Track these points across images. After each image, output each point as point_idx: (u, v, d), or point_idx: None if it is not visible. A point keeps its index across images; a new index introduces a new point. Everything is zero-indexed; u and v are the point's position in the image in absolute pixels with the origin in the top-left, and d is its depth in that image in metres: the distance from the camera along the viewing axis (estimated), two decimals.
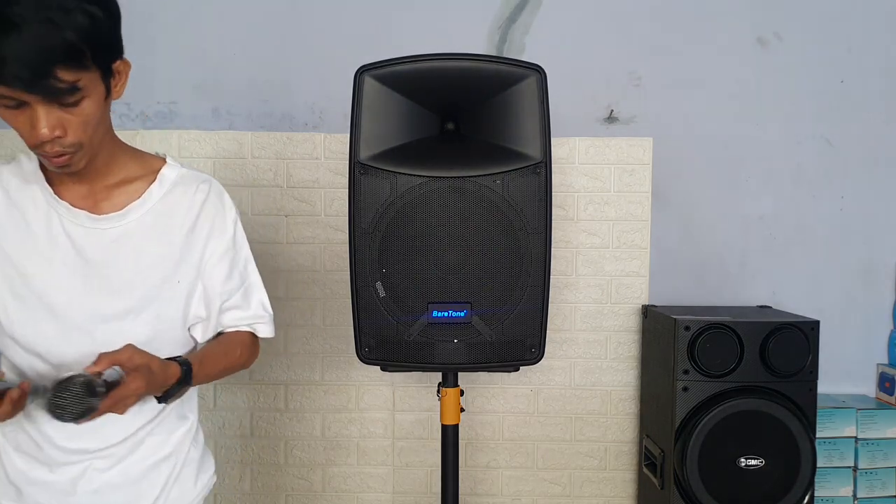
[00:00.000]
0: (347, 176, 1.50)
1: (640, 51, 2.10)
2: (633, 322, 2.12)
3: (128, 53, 1.02)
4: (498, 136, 1.52)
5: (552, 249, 1.56)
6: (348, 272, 1.51)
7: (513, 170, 1.49)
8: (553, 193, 1.52)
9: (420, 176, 1.49)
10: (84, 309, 1.06)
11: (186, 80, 2.09)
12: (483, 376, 2.12)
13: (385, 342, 1.52)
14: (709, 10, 2.10)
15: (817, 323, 1.78)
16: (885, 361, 2.16)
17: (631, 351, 2.13)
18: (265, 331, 1.23)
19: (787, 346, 1.75)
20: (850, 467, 2.00)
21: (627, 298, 2.12)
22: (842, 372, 2.13)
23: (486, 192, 1.49)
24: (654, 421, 1.98)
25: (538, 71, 1.50)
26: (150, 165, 1.15)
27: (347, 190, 1.50)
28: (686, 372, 1.76)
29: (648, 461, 1.98)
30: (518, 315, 1.51)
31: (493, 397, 2.14)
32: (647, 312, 2.05)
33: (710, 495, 1.73)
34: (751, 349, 1.76)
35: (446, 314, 1.50)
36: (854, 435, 2.00)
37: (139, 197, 1.11)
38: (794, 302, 2.10)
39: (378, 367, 1.60)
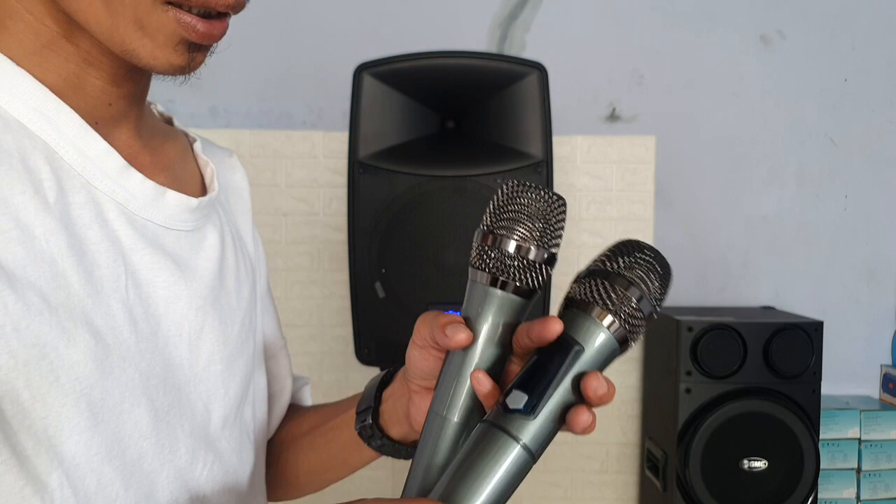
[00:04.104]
0: (346, 175, 1.49)
1: (643, 48, 2.08)
2: None
3: None
4: (499, 135, 1.50)
5: None
6: (348, 272, 1.50)
7: (514, 168, 1.48)
8: None
9: (420, 175, 1.48)
10: None
11: (183, 78, 2.07)
12: None
13: (385, 342, 1.51)
14: (712, 7, 2.08)
15: (821, 324, 1.76)
16: (890, 362, 2.14)
17: (633, 352, 2.10)
18: None
19: (791, 347, 1.73)
20: (853, 469, 1.98)
21: None
22: (845, 373, 2.12)
23: (486, 191, 1.47)
24: (656, 423, 1.96)
25: (539, 69, 1.48)
26: None
27: (346, 189, 1.48)
28: (689, 373, 1.75)
29: (651, 463, 1.97)
30: None
31: None
32: None
33: (713, 497, 1.71)
34: (754, 350, 1.74)
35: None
36: (858, 436, 1.98)
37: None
38: (798, 302, 2.08)
39: (378, 368, 1.59)
